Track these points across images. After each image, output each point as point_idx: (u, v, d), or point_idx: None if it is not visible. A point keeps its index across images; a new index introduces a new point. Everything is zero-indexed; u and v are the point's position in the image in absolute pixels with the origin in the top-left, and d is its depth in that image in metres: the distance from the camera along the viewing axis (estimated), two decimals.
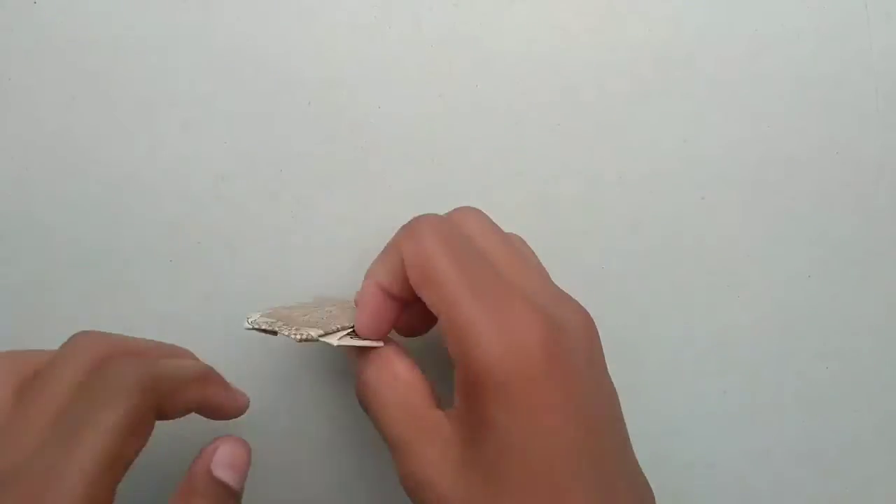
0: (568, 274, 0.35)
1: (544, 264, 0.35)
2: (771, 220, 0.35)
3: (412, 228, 0.27)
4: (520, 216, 0.35)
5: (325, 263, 0.34)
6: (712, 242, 0.35)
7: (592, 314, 0.35)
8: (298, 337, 0.27)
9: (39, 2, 0.33)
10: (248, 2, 0.34)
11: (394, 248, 0.27)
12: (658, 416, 0.36)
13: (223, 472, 0.27)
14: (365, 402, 0.27)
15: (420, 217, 0.27)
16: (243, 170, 0.34)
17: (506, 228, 0.35)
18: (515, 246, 0.28)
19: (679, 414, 0.36)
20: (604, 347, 0.35)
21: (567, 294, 0.28)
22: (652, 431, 0.36)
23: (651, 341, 0.36)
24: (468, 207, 0.29)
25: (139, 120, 0.34)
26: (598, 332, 0.27)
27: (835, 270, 0.35)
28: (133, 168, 0.34)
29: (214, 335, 0.34)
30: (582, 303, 0.35)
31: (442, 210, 0.35)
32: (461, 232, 0.27)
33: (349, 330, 0.28)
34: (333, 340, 0.27)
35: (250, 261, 0.34)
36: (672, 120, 0.34)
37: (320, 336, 0.27)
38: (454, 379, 0.25)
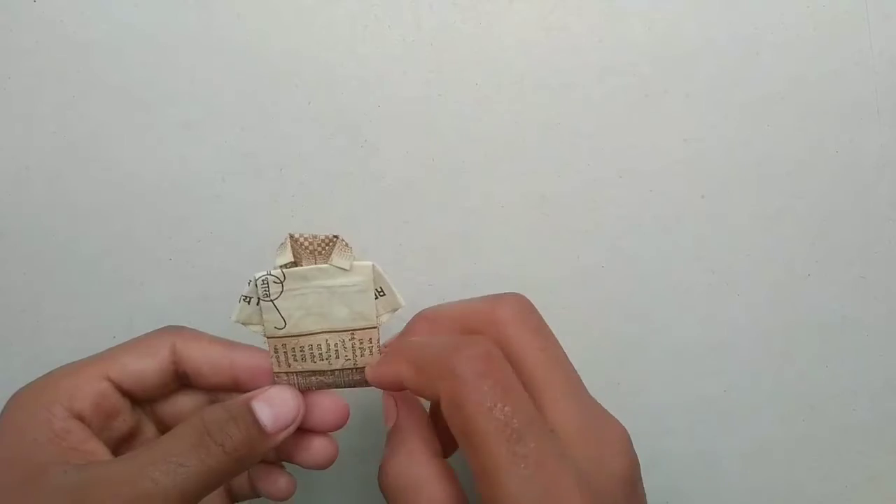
0: (568, 274, 0.35)
1: (545, 264, 0.35)
2: (771, 220, 0.35)
3: (507, 302, 0.27)
4: (520, 216, 0.35)
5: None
6: (712, 242, 0.35)
7: (592, 314, 0.35)
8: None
9: (39, 2, 0.33)
10: (248, 1, 0.34)
11: (430, 367, 0.25)
12: (658, 416, 0.36)
13: (260, 405, 0.26)
14: (387, 496, 0.26)
15: (462, 349, 0.24)
16: (243, 170, 0.34)
17: (506, 228, 0.35)
18: (552, 352, 0.27)
19: (679, 414, 0.36)
20: (604, 347, 0.36)
21: (601, 407, 0.26)
22: (652, 431, 0.36)
23: (651, 341, 0.36)
24: (511, 297, 0.28)
25: (139, 120, 0.34)
26: (633, 449, 0.26)
27: (835, 270, 0.35)
28: (133, 168, 0.34)
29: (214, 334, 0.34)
30: (582, 302, 0.35)
31: (441, 206, 0.35)
32: (500, 354, 0.25)
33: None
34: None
35: (250, 261, 0.34)
36: (672, 120, 0.34)
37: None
38: None
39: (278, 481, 0.30)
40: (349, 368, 0.28)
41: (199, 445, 0.24)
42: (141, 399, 0.28)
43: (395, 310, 0.28)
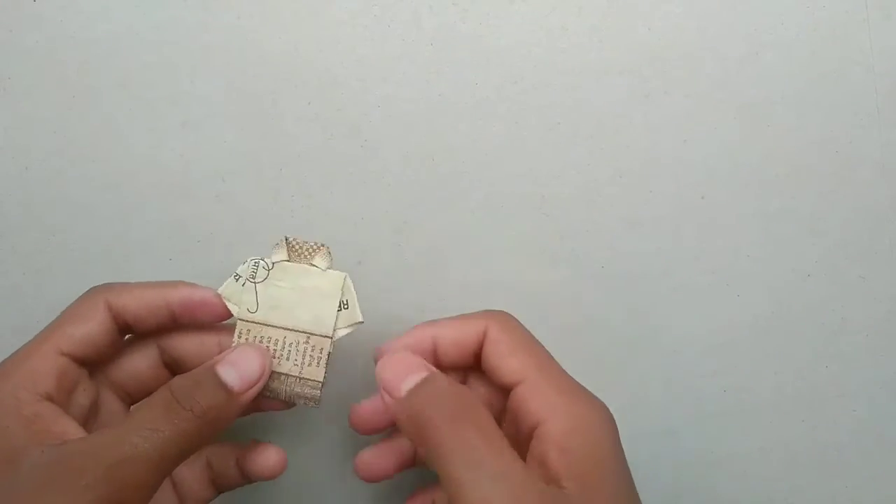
0: (568, 274, 0.35)
1: (545, 265, 0.35)
2: (771, 220, 0.35)
3: (500, 313, 0.30)
4: (520, 216, 0.35)
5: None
6: (712, 242, 0.35)
7: (592, 314, 0.35)
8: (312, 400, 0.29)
9: (39, 1, 0.33)
10: (248, 1, 0.34)
11: (471, 322, 0.29)
12: (658, 416, 0.36)
13: (224, 369, 0.27)
14: (429, 427, 0.25)
15: (500, 310, 0.30)
16: (243, 170, 0.34)
17: (506, 229, 0.35)
18: (537, 359, 0.30)
19: (679, 414, 0.36)
20: (604, 347, 0.36)
21: (585, 391, 0.29)
22: (652, 431, 0.36)
23: (651, 341, 0.36)
24: (498, 315, 0.30)
25: (139, 120, 0.34)
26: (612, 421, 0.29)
27: (835, 270, 0.35)
28: (133, 168, 0.34)
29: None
30: (582, 302, 0.35)
31: (441, 207, 0.35)
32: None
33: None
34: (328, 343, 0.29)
35: None
36: (672, 120, 0.34)
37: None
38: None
39: (267, 454, 0.30)
40: (294, 376, 0.29)
41: (169, 411, 0.25)
42: (96, 363, 0.29)
43: (354, 325, 0.29)
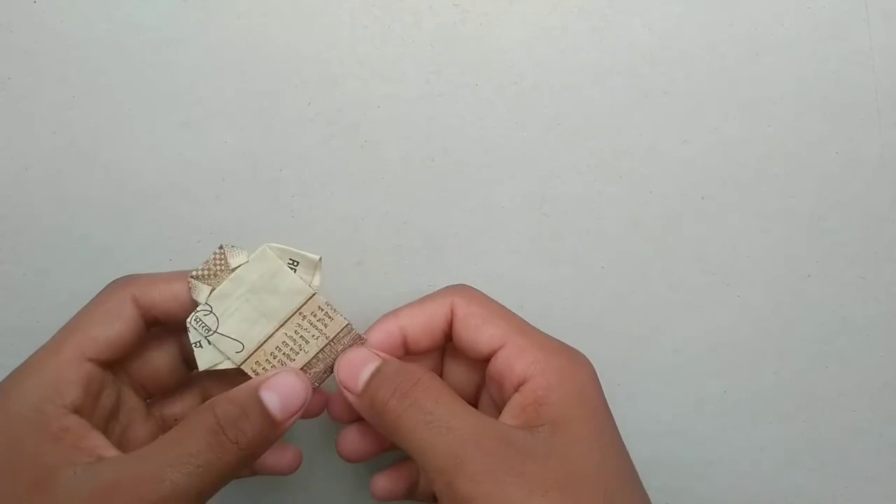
0: (568, 274, 0.35)
1: (545, 265, 0.35)
2: (771, 220, 0.35)
3: (461, 287, 0.30)
4: (520, 216, 0.35)
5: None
6: (712, 242, 0.35)
7: (592, 314, 0.35)
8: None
9: (39, 1, 0.33)
10: (248, 1, 0.34)
11: (436, 303, 0.29)
12: (658, 416, 0.36)
13: (268, 394, 0.26)
14: (409, 419, 0.26)
15: (459, 284, 0.30)
16: (243, 170, 0.34)
17: (506, 228, 0.35)
18: (505, 321, 0.30)
19: (679, 414, 0.36)
20: (604, 347, 0.36)
21: (561, 343, 0.29)
22: (652, 431, 0.36)
23: (651, 341, 0.36)
24: (459, 290, 0.30)
25: (139, 120, 0.34)
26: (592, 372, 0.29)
27: (835, 270, 0.35)
28: (133, 168, 0.34)
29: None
30: (582, 303, 0.35)
31: (441, 207, 0.35)
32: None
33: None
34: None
35: None
36: (672, 120, 0.34)
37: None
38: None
39: (285, 454, 0.30)
40: (325, 345, 0.29)
41: (215, 445, 0.25)
42: (121, 364, 0.28)
43: (317, 265, 0.29)
